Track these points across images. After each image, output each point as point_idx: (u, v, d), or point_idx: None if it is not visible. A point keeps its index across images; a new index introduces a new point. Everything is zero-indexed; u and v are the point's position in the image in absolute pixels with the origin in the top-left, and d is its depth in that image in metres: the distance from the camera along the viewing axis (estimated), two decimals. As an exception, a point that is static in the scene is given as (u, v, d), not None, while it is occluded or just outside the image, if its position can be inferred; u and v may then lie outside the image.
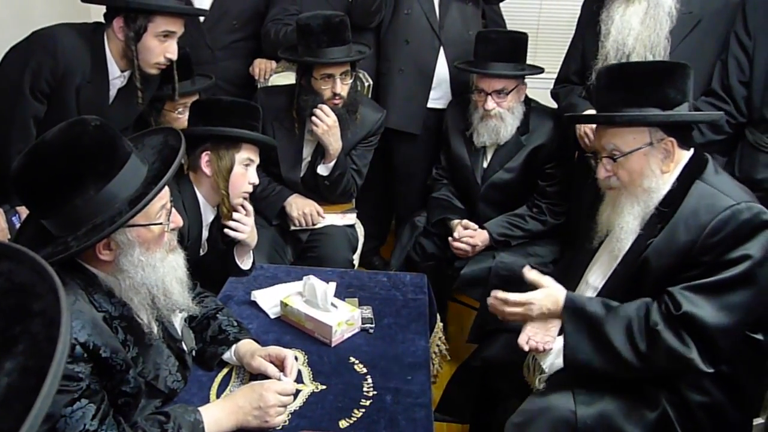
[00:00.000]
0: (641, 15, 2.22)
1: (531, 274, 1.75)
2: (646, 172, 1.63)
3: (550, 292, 1.69)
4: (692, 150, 1.69)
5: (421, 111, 2.94)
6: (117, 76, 2.10)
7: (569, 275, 1.91)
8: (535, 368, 1.77)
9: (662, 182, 1.64)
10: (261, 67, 2.93)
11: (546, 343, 1.69)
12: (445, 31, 2.86)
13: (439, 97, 2.94)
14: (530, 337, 1.70)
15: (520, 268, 2.39)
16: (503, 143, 2.57)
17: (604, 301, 1.66)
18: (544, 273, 1.77)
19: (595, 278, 1.80)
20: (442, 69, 2.89)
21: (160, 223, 1.39)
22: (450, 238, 2.61)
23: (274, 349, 1.60)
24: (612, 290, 1.72)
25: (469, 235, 2.58)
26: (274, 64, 2.93)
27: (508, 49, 2.50)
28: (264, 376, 1.55)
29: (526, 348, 1.70)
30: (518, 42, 2.53)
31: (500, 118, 2.52)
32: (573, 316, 1.64)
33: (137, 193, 1.31)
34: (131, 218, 1.29)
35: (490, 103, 2.50)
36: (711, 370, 1.52)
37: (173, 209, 1.45)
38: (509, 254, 2.55)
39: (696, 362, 1.52)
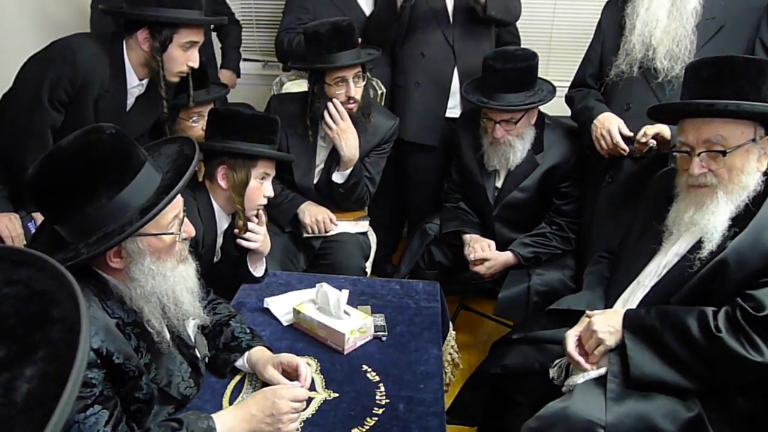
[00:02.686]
0: (668, 7, 2.20)
1: (592, 314, 1.74)
2: (747, 168, 1.58)
3: (606, 314, 1.70)
4: None
5: (438, 123, 2.94)
6: (135, 85, 2.12)
7: (615, 279, 1.88)
8: (570, 371, 1.75)
9: (756, 180, 1.60)
10: None
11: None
12: (460, 44, 2.85)
13: (454, 105, 2.93)
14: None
15: (558, 281, 2.41)
16: (515, 167, 2.55)
17: (660, 310, 1.62)
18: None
19: (650, 280, 1.75)
20: (458, 80, 2.88)
21: (172, 233, 1.39)
22: (471, 266, 2.60)
23: (287, 357, 1.60)
24: (667, 290, 1.67)
25: (483, 257, 2.57)
26: None
27: (516, 80, 2.43)
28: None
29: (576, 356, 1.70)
30: (526, 71, 2.45)
31: (509, 144, 2.49)
32: (631, 331, 1.62)
33: (149, 202, 1.31)
34: (141, 227, 1.29)
35: (499, 132, 2.46)
36: None
37: (186, 219, 1.45)
38: (544, 269, 2.54)
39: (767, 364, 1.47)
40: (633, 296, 1.77)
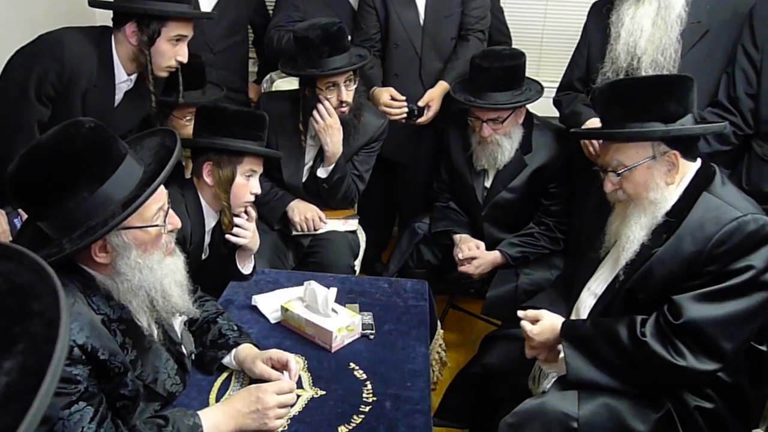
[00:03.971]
0: (652, 16, 2.21)
1: (525, 314, 1.80)
2: (650, 184, 1.64)
3: (545, 324, 1.75)
4: (699, 161, 1.70)
5: (415, 142, 2.93)
6: (124, 80, 2.10)
7: (574, 283, 1.92)
8: (540, 377, 1.79)
9: (668, 194, 1.65)
10: None
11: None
12: (428, 65, 2.81)
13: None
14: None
15: (546, 281, 2.44)
16: (503, 167, 2.55)
17: (594, 320, 1.70)
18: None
19: (596, 285, 1.82)
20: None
21: (157, 225, 1.38)
22: (459, 266, 2.61)
23: (276, 353, 1.60)
24: (610, 298, 1.74)
25: (471, 255, 2.58)
26: None
27: (502, 79, 2.42)
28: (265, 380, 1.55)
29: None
30: (513, 70, 2.44)
31: (497, 143, 2.49)
32: (568, 340, 1.69)
33: (131, 195, 1.30)
34: (123, 220, 1.28)
35: (486, 131, 2.46)
36: (716, 366, 1.54)
37: (171, 211, 1.44)
38: (532, 269, 2.56)
39: (693, 368, 1.53)
40: (585, 304, 1.83)
